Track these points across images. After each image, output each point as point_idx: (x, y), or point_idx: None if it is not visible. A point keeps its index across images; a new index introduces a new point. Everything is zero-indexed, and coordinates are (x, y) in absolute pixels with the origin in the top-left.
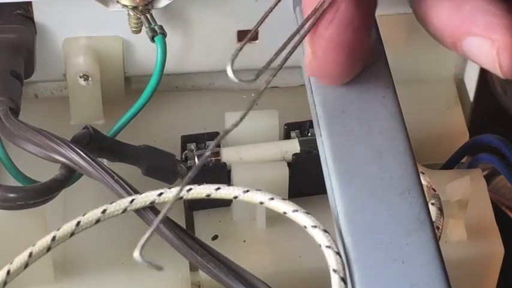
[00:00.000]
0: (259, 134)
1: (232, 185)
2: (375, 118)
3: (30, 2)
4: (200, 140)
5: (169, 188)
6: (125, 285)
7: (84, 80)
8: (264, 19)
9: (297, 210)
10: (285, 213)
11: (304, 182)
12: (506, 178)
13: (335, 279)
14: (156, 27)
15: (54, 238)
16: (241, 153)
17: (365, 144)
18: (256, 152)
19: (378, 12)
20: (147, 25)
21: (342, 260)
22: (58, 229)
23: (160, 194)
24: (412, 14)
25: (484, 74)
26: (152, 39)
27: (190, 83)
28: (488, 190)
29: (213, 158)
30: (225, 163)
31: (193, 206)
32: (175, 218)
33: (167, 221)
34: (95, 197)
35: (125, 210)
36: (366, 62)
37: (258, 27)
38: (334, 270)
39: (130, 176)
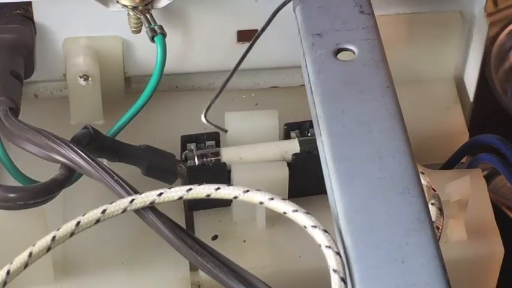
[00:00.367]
0: (259, 134)
1: (232, 185)
2: (375, 118)
3: (30, 2)
4: (200, 140)
5: (169, 188)
6: (124, 285)
7: (84, 80)
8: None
9: (297, 210)
10: (285, 213)
11: (304, 182)
12: (506, 178)
13: (335, 279)
14: (156, 27)
15: (54, 238)
16: (241, 153)
17: (365, 144)
18: (256, 152)
19: (378, 12)
20: (147, 25)
21: (342, 260)
22: (58, 229)
23: (160, 194)
24: (412, 14)
25: (484, 74)
26: (152, 39)
27: (190, 83)
28: (488, 190)
29: (213, 158)
30: (225, 163)
31: (193, 206)
32: (175, 218)
33: (167, 221)
34: (95, 197)
35: (124, 210)
36: None
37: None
38: (334, 270)
39: (130, 176)
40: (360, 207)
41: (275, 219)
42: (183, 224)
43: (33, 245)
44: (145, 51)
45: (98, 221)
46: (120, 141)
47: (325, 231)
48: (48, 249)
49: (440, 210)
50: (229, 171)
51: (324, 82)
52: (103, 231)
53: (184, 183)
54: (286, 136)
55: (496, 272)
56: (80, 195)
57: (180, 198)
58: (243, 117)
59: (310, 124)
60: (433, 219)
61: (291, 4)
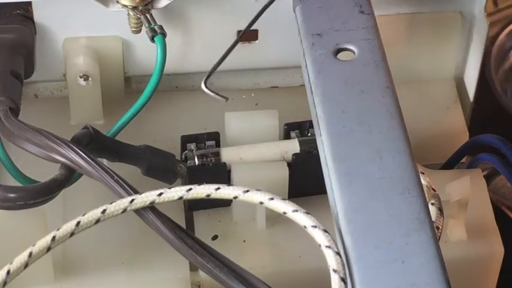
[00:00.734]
0: (259, 134)
1: (232, 185)
2: (375, 118)
3: (30, 2)
4: (200, 140)
5: (169, 188)
6: (124, 285)
7: (84, 80)
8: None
9: (297, 210)
10: (285, 213)
11: (304, 182)
12: (506, 178)
13: (335, 279)
14: (156, 27)
15: (54, 238)
16: (241, 153)
17: (365, 144)
18: (256, 152)
19: (378, 12)
20: (147, 25)
21: (342, 260)
22: (58, 229)
23: (160, 194)
24: (412, 14)
25: (484, 74)
26: (152, 39)
27: (190, 83)
28: (488, 190)
29: (213, 158)
30: (225, 163)
31: (193, 206)
32: (175, 218)
33: (167, 221)
34: (95, 197)
35: (124, 210)
36: None
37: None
38: (334, 270)
39: (131, 176)
40: (359, 207)
41: (275, 219)
42: (183, 224)
43: (33, 245)
44: (145, 51)
45: (98, 221)
46: (120, 141)
47: (325, 231)
48: (48, 249)
49: (440, 210)
50: (229, 171)
51: (324, 82)
52: (103, 231)
53: (184, 183)
54: (286, 136)
55: (496, 272)
56: (80, 195)
57: (180, 198)
58: (243, 117)
59: (310, 124)
60: (433, 219)
61: (291, 4)
